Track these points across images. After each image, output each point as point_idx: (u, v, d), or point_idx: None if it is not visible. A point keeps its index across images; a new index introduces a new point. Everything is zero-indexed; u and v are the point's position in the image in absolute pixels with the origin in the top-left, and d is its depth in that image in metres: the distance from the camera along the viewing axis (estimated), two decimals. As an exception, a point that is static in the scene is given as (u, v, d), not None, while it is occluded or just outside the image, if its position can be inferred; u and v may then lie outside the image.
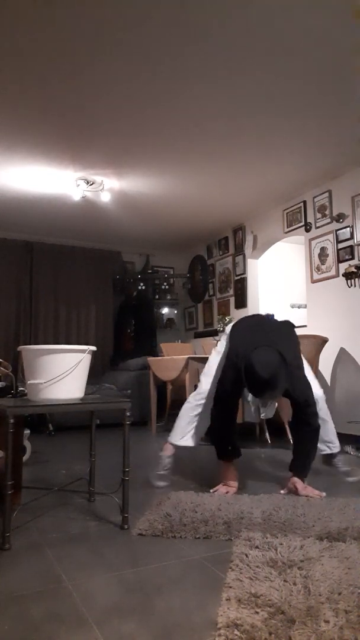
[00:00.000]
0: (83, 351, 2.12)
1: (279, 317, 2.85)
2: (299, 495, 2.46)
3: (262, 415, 2.59)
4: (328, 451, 2.86)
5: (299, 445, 2.62)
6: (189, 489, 2.64)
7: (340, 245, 4.50)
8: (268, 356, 2.39)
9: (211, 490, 2.56)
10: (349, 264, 4.36)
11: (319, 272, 4.77)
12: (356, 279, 4.32)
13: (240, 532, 1.96)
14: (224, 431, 2.66)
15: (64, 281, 6.50)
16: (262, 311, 5.83)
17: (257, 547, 1.77)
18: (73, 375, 2.07)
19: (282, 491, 2.55)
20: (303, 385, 2.54)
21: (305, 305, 5.12)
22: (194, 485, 2.75)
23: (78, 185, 4.53)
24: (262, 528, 2.00)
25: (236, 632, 1.21)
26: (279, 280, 6.56)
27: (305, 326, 4.91)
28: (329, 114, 3.45)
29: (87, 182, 4.54)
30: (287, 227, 5.25)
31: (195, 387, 2.91)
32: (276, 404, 2.58)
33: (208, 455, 3.50)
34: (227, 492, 2.54)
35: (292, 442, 2.72)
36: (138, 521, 2.10)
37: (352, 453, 3.69)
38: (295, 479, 2.53)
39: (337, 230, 4.54)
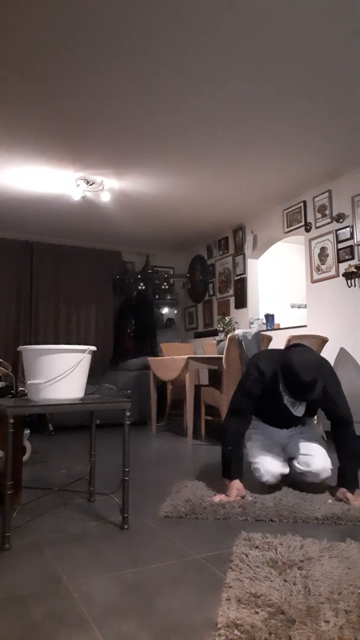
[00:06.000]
0: (83, 351, 2.12)
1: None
2: (350, 505, 2.28)
3: (295, 412, 2.27)
4: None
5: (343, 457, 2.42)
6: (202, 479, 2.75)
7: (340, 245, 4.50)
8: (308, 355, 2.25)
9: (214, 499, 2.35)
10: (349, 264, 4.36)
11: (319, 272, 4.77)
12: (356, 279, 4.32)
13: (255, 513, 2.16)
14: (233, 445, 2.48)
15: (64, 281, 6.49)
16: (262, 311, 5.84)
17: (257, 547, 1.77)
18: (73, 375, 2.07)
19: (329, 500, 2.36)
20: (346, 404, 2.42)
21: (305, 305, 5.12)
22: (205, 477, 2.80)
23: (78, 185, 4.53)
24: (274, 510, 2.20)
25: (236, 632, 1.21)
26: (279, 280, 6.56)
27: (305, 326, 4.92)
28: (329, 114, 3.45)
29: (87, 182, 4.54)
30: (287, 227, 5.25)
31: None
32: (305, 404, 2.29)
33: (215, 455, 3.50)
34: (227, 500, 2.35)
35: (337, 455, 2.46)
36: (162, 505, 2.28)
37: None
38: (345, 490, 2.35)
39: (337, 230, 4.54)
